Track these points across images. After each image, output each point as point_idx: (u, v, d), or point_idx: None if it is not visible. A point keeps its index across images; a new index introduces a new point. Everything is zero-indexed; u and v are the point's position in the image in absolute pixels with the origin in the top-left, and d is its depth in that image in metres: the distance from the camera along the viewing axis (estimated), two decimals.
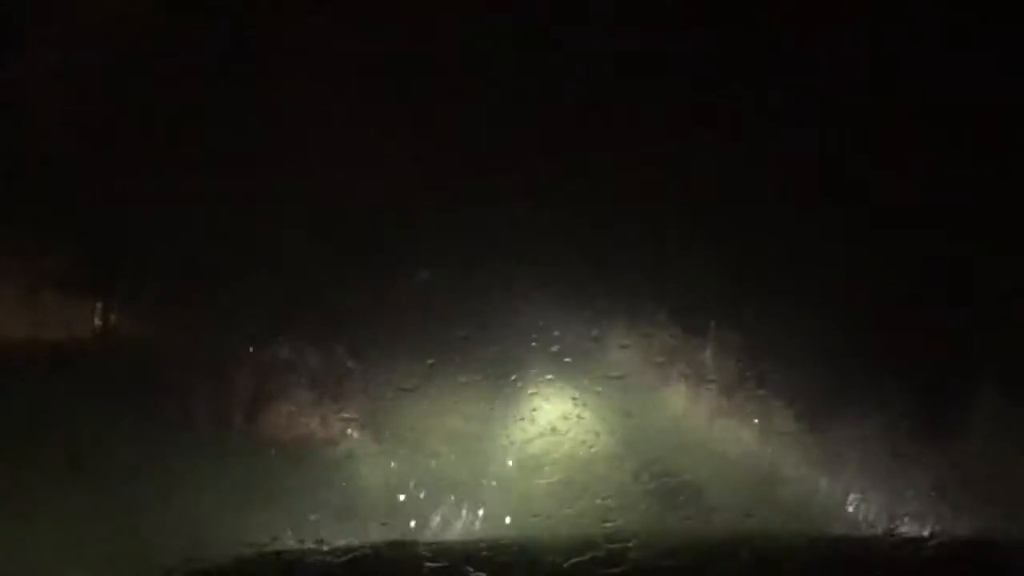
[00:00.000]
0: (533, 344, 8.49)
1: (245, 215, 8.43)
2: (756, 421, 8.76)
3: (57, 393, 7.99)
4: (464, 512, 8.13)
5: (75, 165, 8.48)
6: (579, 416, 8.36)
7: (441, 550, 6.90)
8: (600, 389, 8.42)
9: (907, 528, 8.16)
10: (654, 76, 8.77)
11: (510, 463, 8.42)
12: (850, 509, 8.49)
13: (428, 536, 7.94)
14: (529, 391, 8.41)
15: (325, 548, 6.76)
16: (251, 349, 8.52)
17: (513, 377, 8.41)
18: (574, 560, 5.94)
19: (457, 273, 8.57)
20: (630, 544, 6.17)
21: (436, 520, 8.06)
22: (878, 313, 8.73)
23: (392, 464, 8.34)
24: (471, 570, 5.56)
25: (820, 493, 8.58)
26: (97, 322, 8.67)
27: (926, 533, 8.11)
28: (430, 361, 8.27)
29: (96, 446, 7.81)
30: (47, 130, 8.48)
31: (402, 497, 8.13)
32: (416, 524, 7.98)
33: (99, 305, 8.70)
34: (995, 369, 8.62)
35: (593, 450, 8.20)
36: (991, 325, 8.67)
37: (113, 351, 8.68)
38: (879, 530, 8.23)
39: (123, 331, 8.78)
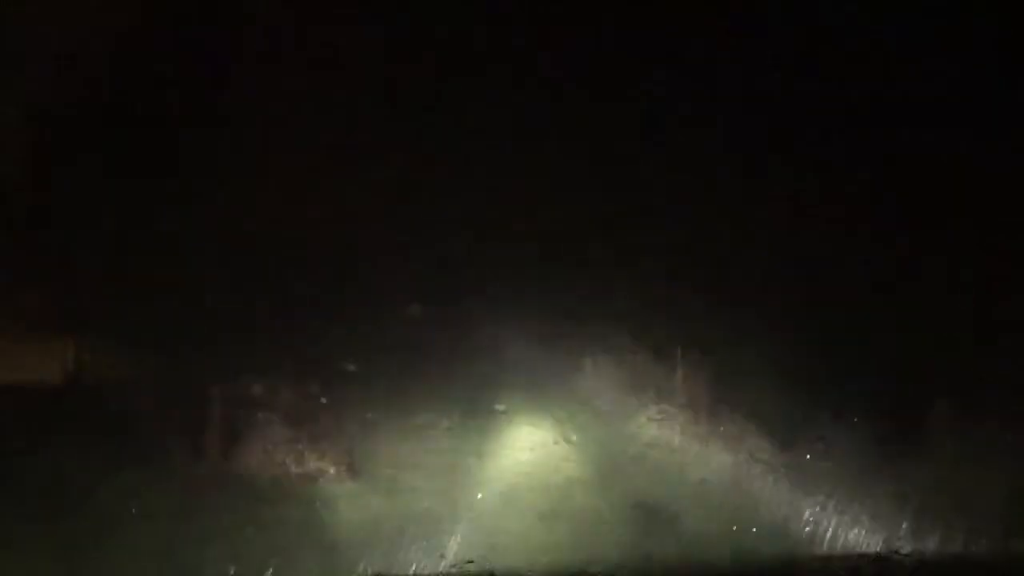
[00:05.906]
0: (508, 376, 8.59)
1: (221, 252, 8.47)
2: (728, 444, 8.82)
3: (32, 434, 7.95)
4: (442, 544, 8.14)
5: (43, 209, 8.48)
6: (554, 444, 8.46)
7: None
8: (575, 419, 8.53)
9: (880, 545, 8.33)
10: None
11: (486, 494, 8.44)
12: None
13: (407, 570, 7.96)
14: (504, 422, 8.50)
15: None
16: (226, 387, 8.48)
17: (488, 409, 8.52)
18: None
19: (438, 309, 8.62)
20: (611, 572, 6.23)
21: (415, 553, 8.06)
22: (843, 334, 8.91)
23: (369, 499, 8.33)
24: None
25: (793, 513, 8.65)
26: (70, 365, 8.59)
27: (899, 550, 8.28)
28: (405, 394, 8.36)
29: (70, 485, 7.78)
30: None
31: (380, 531, 8.13)
32: (396, 558, 7.99)
33: (72, 346, 8.62)
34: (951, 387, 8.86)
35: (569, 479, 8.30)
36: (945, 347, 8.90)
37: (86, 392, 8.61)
38: (853, 548, 8.35)
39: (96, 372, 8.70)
